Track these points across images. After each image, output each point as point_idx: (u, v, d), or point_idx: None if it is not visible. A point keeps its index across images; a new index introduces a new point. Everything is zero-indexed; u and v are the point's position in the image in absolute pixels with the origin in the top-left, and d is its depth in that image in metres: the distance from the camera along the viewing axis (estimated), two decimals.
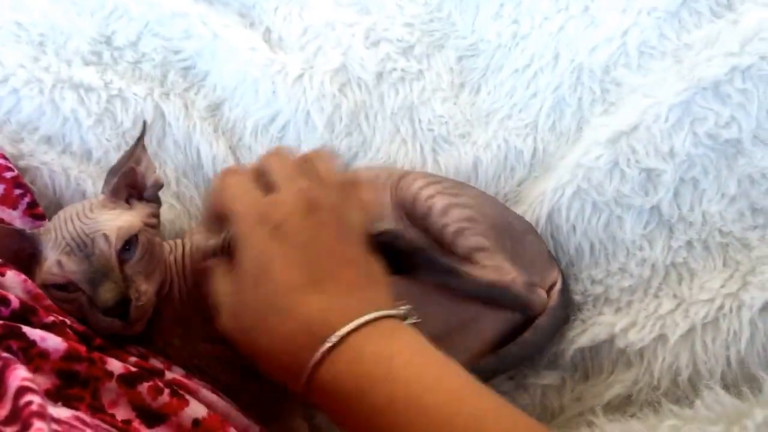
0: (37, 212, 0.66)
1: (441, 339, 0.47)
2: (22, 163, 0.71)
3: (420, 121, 0.82)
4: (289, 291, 0.47)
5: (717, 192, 0.69)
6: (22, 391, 0.36)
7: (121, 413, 0.45)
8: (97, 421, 0.41)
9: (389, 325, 0.46)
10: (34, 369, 0.44)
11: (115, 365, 0.47)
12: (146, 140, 0.65)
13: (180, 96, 0.81)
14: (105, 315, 0.53)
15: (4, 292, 0.48)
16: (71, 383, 0.44)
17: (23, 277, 0.51)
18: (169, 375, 0.51)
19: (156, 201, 0.63)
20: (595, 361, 0.70)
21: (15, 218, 0.65)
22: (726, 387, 0.61)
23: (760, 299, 0.63)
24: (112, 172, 0.62)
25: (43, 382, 0.43)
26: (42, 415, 0.34)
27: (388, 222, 0.70)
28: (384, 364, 0.44)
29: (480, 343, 0.66)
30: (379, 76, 0.83)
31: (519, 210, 0.75)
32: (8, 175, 0.66)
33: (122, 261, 0.55)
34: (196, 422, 0.47)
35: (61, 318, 0.50)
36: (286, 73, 0.81)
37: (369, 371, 0.44)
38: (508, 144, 0.80)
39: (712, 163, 0.69)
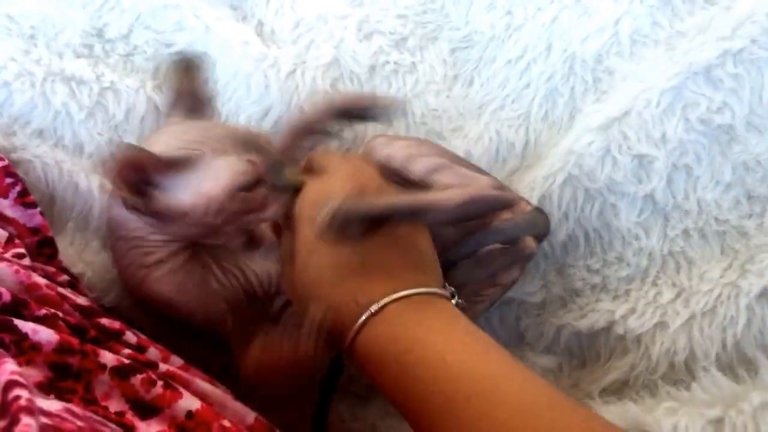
0: (28, 201, 0.66)
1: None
2: (14, 156, 0.70)
3: (413, 114, 0.82)
4: (338, 269, 0.52)
5: (711, 179, 0.69)
6: (10, 385, 0.35)
7: (114, 406, 0.45)
8: (89, 413, 0.41)
9: (431, 301, 0.51)
10: (27, 362, 0.43)
11: (108, 357, 0.47)
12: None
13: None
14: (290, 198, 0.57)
15: None
16: (64, 376, 0.44)
17: (15, 268, 0.51)
18: (163, 367, 0.51)
19: None
20: (592, 348, 0.70)
21: (6, 207, 0.64)
22: (722, 369, 0.61)
23: (758, 285, 0.64)
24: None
25: (36, 374, 0.43)
26: (30, 410, 0.34)
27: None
28: (419, 330, 0.49)
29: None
30: (372, 69, 0.83)
31: None
32: None
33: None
34: (189, 414, 0.47)
35: (53, 311, 0.50)
36: (278, 67, 0.81)
37: (405, 336, 0.48)
38: (500, 136, 0.79)
39: (705, 149, 0.69)
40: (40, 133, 0.74)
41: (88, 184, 0.71)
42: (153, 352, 0.54)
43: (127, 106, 0.77)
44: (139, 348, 0.54)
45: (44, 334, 0.45)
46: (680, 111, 0.69)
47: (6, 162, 0.67)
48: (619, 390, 0.66)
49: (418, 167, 0.65)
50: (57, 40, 0.80)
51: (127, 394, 0.46)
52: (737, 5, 0.70)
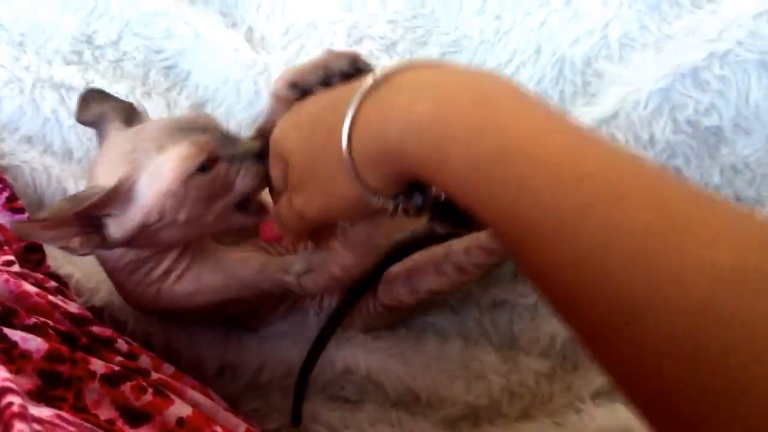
0: (16, 206, 0.66)
1: None
2: (3, 162, 0.70)
3: None
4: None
5: (700, 181, 0.70)
6: (2, 391, 0.35)
7: (105, 413, 0.45)
8: (79, 420, 0.41)
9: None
10: (17, 370, 0.43)
11: (98, 365, 0.47)
12: None
13: (162, 95, 0.81)
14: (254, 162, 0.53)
15: None
16: (54, 384, 0.44)
17: (5, 277, 0.51)
18: (155, 375, 0.51)
19: None
20: (584, 352, 0.70)
21: None
22: None
23: None
24: None
25: (26, 382, 0.43)
26: (23, 416, 0.34)
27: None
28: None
29: None
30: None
31: None
32: None
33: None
34: (180, 421, 0.46)
35: (43, 319, 0.50)
36: (269, 73, 0.81)
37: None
38: None
39: (693, 151, 0.70)
40: (29, 140, 0.74)
41: (77, 189, 0.71)
42: (144, 360, 0.54)
43: None
44: (131, 356, 0.53)
45: (34, 343, 0.45)
46: (668, 113, 0.70)
47: None
48: (609, 392, 0.66)
49: None
50: (46, 47, 0.80)
51: (117, 401, 0.46)
52: (723, 9, 0.71)
